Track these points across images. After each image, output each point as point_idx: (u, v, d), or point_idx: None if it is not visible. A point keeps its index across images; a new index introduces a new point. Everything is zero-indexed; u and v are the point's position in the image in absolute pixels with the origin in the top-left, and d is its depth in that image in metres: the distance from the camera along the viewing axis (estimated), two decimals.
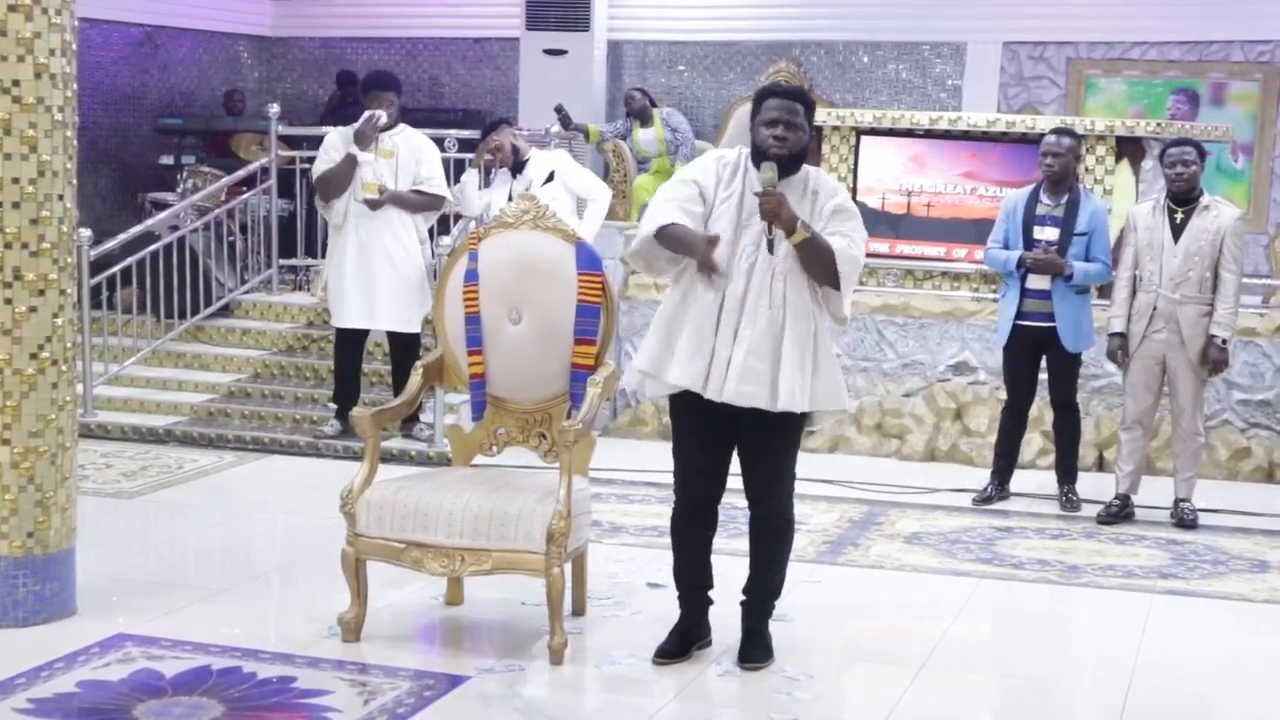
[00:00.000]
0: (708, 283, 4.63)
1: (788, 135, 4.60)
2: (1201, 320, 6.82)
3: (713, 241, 4.56)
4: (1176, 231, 6.84)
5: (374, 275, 7.79)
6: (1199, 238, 6.80)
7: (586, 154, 11.08)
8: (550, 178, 7.78)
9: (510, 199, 7.46)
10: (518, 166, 7.92)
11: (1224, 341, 6.83)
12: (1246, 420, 8.15)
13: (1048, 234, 7.07)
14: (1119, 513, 7.00)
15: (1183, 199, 6.86)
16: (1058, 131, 7.23)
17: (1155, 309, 6.86)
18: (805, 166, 4.74)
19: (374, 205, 7.76)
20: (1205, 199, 6.88)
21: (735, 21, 12.84)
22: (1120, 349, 6.96)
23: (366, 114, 7.76)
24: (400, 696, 4.53)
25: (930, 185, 8.82)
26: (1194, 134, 7.98)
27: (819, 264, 4.59)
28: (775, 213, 4.52)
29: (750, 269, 4.61)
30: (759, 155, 4.63)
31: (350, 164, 7.76)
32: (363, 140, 7.73)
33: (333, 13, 14.01)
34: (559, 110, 10.88)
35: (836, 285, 4.61)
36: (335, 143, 7.88)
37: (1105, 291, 7.44)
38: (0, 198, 4.85)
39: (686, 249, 4.61)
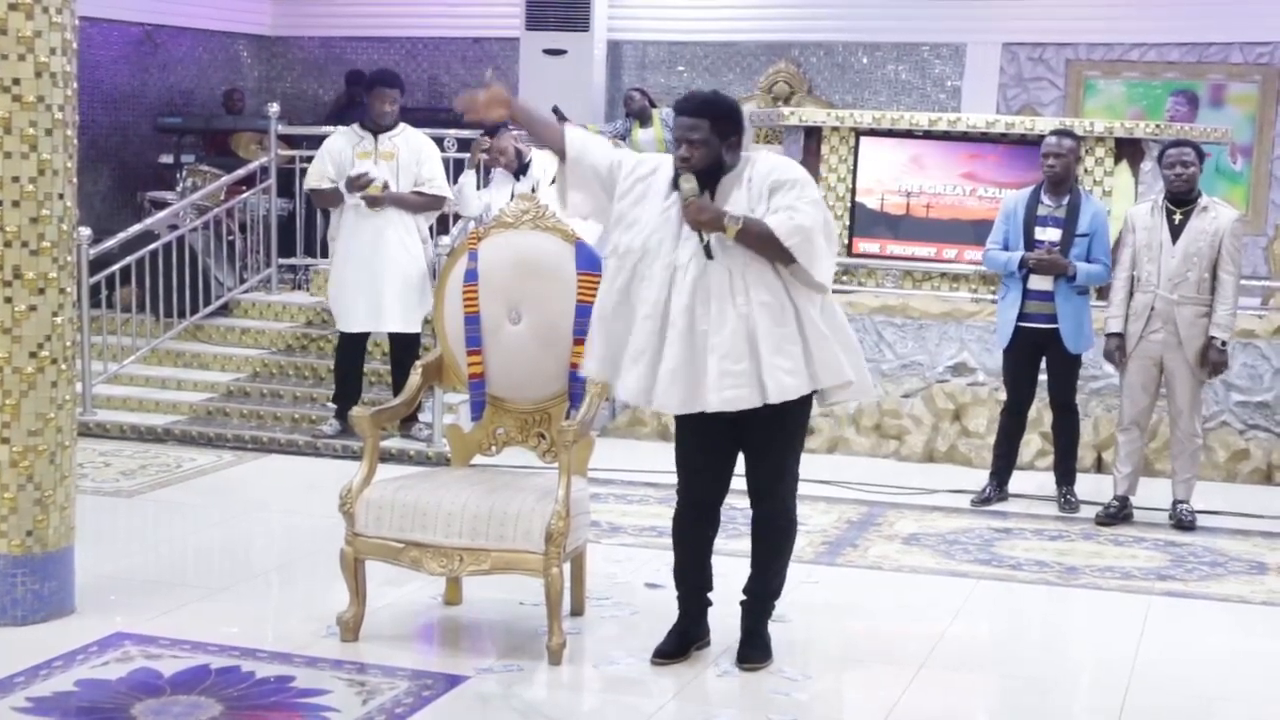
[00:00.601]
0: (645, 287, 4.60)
1: (690, 154, 4.58)
2: (1199, 321, 6.82)
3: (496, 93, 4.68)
4: (1175, 232, 6.84)
5: (376, 277, 7.80)
6: (1198, 239, 6.80)
7: None
8: None
9: (512, 199, 7.46)
10: (522, 169, 7.95)
11: (1224, 343, 6.83)
12: (1245, 422, 8.16)
13: (1049, 235, 7.06)
14: (1117, 514, 7.00)
15: (1181, 200, 6.86)
16: (1058, 133, 7.23)
17: (1153, 309, 6.86)
18: (744, 155, 4.70)
19: (374, 204, 7.77)
20: (1204, 200, 6.88)
21: (735, 22, 12.85)
22: (1118, 349, 6.97)
23: (360, 173, 7.74)
24: (399, 696, 4.52)
25: (929, 186, 8.82)
26: (1193, 135, 7.97)
27: (764, 247, 4.52)
28: (698, 220, 4.51)
29: (697, 280, 4.53)
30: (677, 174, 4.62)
31: (338, 195, 7.84)
32: (352, 188, 7.78)
33: (332, 12, 14.01)
34: (555, 111, 10.88)
35: (794, 259, 4.54)
36: (334, 146, 7.91)
37: (1104, 292, 7.44)
38: (0, 196, 4.85)
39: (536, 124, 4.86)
